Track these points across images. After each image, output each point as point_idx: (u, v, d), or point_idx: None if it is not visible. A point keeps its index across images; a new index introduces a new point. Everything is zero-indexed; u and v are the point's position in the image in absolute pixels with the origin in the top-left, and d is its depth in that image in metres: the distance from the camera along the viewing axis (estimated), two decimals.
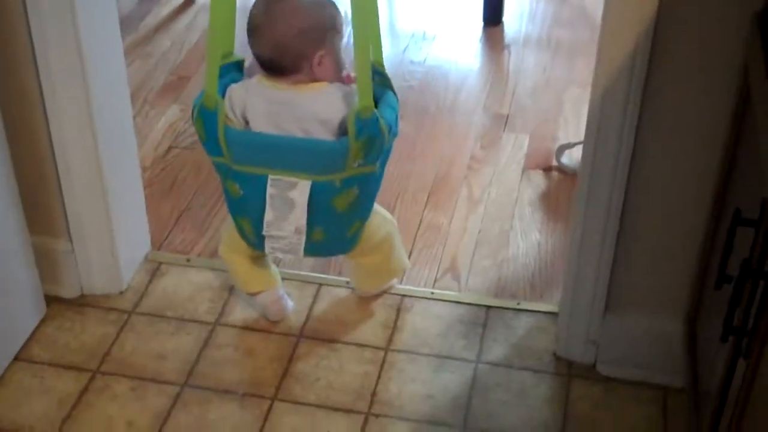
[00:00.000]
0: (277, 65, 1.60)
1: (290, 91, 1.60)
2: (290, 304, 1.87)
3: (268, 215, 1.61)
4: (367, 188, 1.65)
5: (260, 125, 1.61)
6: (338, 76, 1.63)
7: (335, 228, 1.67)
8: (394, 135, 1.62)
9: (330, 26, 1.61)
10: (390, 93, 1.63)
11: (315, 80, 1.61)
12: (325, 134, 1.58)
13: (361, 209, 1.68)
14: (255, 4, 1.61)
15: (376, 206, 1.76)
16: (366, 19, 1.52)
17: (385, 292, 1.90)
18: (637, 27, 1.42)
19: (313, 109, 1.59)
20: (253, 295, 1.83)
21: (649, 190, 1.58)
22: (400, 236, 1.87)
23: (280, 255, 1.72)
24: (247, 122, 1.62)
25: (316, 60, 1.59)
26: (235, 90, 1.62)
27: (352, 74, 1.61)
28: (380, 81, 1.62)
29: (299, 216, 1.61)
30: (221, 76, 1.60)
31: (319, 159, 1.58)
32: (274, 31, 1.58)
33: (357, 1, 1.49)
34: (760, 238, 1.09)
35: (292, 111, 1.59)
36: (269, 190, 1.60)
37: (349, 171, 1.58)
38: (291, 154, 1.58)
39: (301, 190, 1.59)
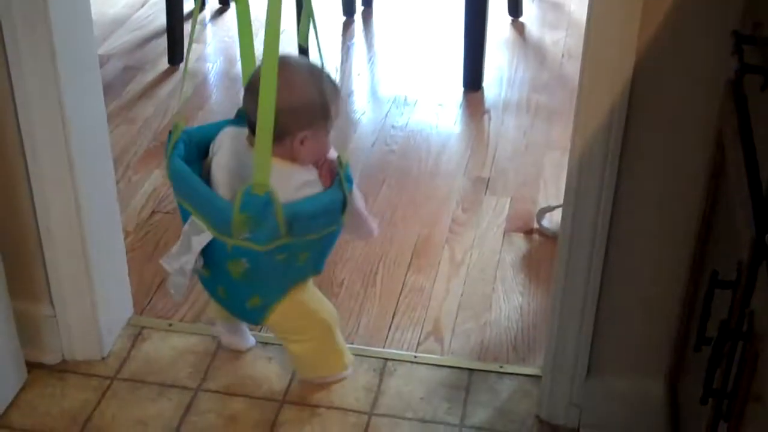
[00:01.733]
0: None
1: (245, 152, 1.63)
2: (250, 339, 1.90)
3: (173, 248, 1.65)
4: (259, 266, 1.62)
5: (217, 172, 1.64)
6: (316, 160, 1.63)
7: (233, 293, 1.70)
8: (305, 231, 1.60)
9: (322, 111, 1.60)
10: (332, 190, 1.61)
11: (292, 158, 1.61)
12: None
13: (259, 286, 1.67)
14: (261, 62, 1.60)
15: (306, 296, 1.73)
16: (268, 92, 1.48)
17: (329, 383, 1.85)
18: (613, 92, 1.45)
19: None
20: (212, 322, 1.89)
21: (628, 252, 1.59)
22: (383, 302, 1.87)
23: (169, 289, 1.71)
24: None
25: (298, 139, 1.59)
26: (224, 134, 1.67)
27: (332, 159, 1.64)
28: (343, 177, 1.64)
29: (188, 260, 1.62)
30: (175, 149, 1.65)
31: (211, 214, 1.60)
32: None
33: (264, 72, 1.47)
34: (738, 299, 1.10)
35: (249, 175, 1.56)
36: (185, 227, 1.64)
37: (235, 240, 1.58)
38: (200, 202, 1.61)
39: (201, 239, 1.61)
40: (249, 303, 1.70)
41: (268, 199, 1.53)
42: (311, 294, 1.76)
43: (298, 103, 1.57)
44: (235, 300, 1.72)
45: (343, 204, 1.63)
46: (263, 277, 1.65)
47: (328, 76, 1.66)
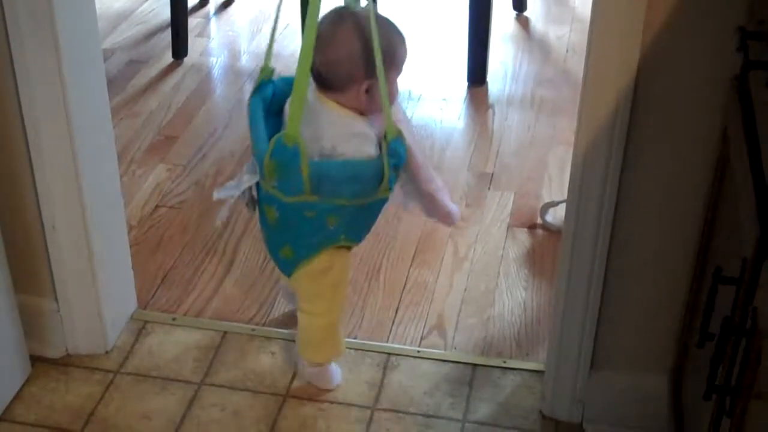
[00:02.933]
0: (325, 81, 1.60)
1: (324, 105, 1.61)
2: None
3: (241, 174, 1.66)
4: (288, 216, 1.62)
5: (286, 119, 1.64)
6: (380, 110, 1.60)
7: (270, 237, 1.71)
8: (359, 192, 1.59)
9: (388, 59, 1.56)
10: (368, 160, 1.58)
11: (359, 108, 1.60)
12: (311, 152, 1.58)
13: (289, 237, 1.66)
14: (328, 13, 1.59)
15: (336, 266, 1.70)
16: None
17: (321, 371, 1.83)
18: (618, 88, 1.45)
19: (319, 125, 1.59)
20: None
21: (632, 248, 1.59)
22: (387, 297, 1.88)
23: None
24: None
25: (363, 88, 1.58)
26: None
27: (397, 114, 1.60)
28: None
29: (233, 186, 1.64)
30: (258, 91, 1.66)
31: (255, 156, 1.61)
32: (332, 46, 1.57)
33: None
34: (741, 295, 1.10)
35: (310, 120, 1.57)
36: (247, 164, 1.65)
37: (266, 185, 1.60)
38: (252, 142, 1.64)
39: (250, 178, 1.63)
40: (281, 252, 1.69)
41: (295, 150, 1.53)
42: (341, 268, 1.73)
43: (362, 51, 1.55)
44: (271, 245, 1.72)
45: (381, 177, 1.58)
46: (293, 229, 1.65)
47: (395, 26, 1.62)
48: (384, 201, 1.65)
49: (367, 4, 1.55)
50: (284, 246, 1.68)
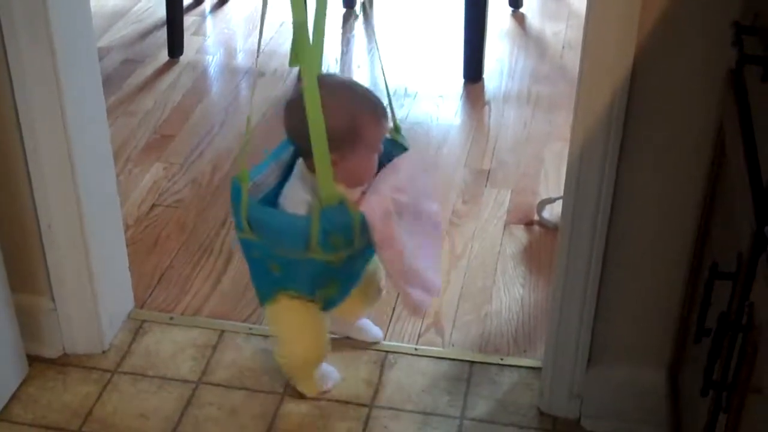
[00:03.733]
0: (295, 144, 1.65)
1: (297, 168, 1.66)
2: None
3: None
4: (244, 251, 1.68)
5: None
6: (357, 184, 1.60)
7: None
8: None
9: (351, 134, 1.56)
10: (300, 217, 1.57)
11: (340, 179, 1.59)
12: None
13: (251, 275, 1.73)
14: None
15: (287, 317, 1.71)
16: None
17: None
18: (614, 83, 1.45)
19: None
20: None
21: (629, 243, 1.59)
22: (384, 295, 1.87)
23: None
24: None
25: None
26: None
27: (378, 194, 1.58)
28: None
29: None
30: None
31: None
32: (294, 115, 1.57)
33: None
34: (738, 291, 1.10)
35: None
36: None
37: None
38: None
39: None
40: (253, 283, 1.75)
41: (238, 189, 1.59)
42: (297, 320, 1.71)
43: (303, 127, 1.51)
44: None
45: (307, 237, 1.55)
46: (251, 268, 1.71)
47: (367, 98, 1.61)
48: (329, 264, 1.60)
49: (304, 83, 1.49)
50: (251, 279, 1.75)
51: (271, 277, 1.67)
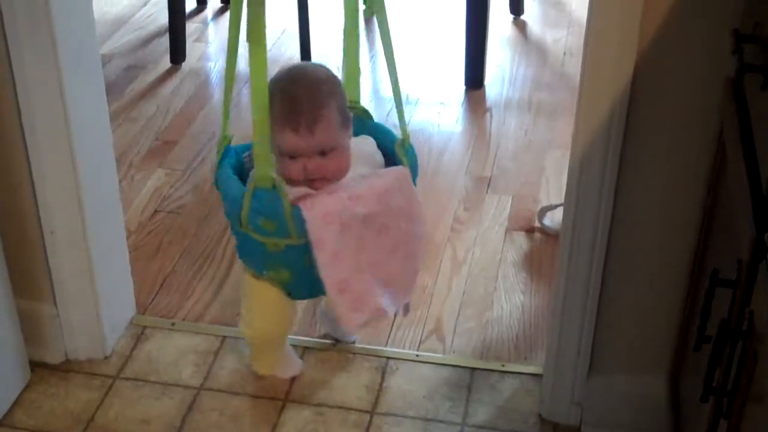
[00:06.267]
0: None
1: None
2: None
3: None
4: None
5: None
6: (295, 177, 1.60)
7: None
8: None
9: (272, 114, 1.55)
10: (239, 192, 1.60)
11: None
12: None
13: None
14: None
15: (254, 290, 1.71)
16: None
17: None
18: (614, 91, 1.45)
19: None
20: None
21: (629, 251, 1.59)
22: None
23: None
24: None
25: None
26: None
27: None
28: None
29: None
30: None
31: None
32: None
33: None
34: (738, 298, 1.10)
35: None
36: None
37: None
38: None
39: None
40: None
41: (227, 148, 1.66)
42: (262, 292, 1.70)
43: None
44: None
45: (239, 208, 1.59)
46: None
47: (297, 103, 1.58)
48: (268, 247, 1.60)
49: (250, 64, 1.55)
50: None
51: (237, 245, 1.71)
